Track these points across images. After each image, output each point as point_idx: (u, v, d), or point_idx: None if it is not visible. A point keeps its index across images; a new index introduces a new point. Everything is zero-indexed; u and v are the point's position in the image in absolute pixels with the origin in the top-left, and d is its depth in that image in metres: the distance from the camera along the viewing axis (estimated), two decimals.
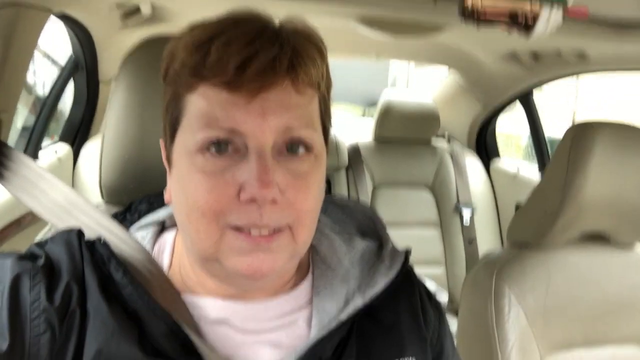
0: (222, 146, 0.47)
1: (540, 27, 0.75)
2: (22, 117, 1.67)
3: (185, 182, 0.48)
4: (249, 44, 0.45)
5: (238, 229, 0.47)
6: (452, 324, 1.18)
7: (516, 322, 0.94)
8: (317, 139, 0.50)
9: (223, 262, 0.48)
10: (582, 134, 0.94)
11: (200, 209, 0.47)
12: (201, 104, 0.47)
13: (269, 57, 0.45)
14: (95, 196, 0.75)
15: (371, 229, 0.67)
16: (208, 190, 0.47)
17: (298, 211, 0.48)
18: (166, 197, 0.56)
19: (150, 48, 0.71)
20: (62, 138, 1.75)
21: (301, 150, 0.49)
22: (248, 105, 0.46)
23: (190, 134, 0.48)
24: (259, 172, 0.45)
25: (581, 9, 0.75)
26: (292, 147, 0.48)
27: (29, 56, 0.85)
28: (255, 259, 0.47)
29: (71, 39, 1.51)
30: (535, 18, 0.75)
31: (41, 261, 0.50)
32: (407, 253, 0.62)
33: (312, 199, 0.50)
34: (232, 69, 0.45)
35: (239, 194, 0.46)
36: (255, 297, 0.55)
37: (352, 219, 0.68)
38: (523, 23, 0.76)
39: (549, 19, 0.74)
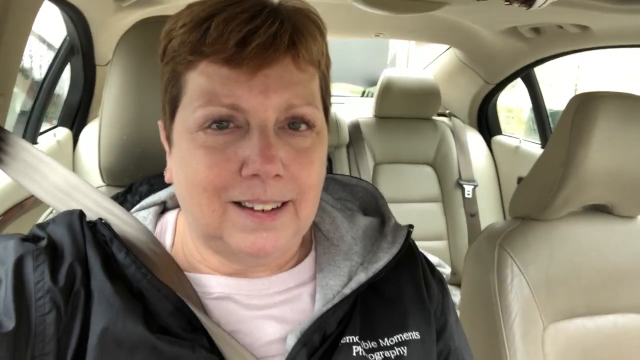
0: (224, 123, 0.47)
1: None
2: (20, 101, 1.66)
3: (187, 159, 0.48)
4: (249, 21, 0.45)
5: (241, 205, 0.47)
6: (455, 296, 1.18)
7: (519, 292, 0.95)
8: (318, 116, 0.50)
9: (226, 239, 0.49)
10: (584, 106, 0.93)
11: (201, 184, 0.47)
12: (201, 81, 0.47)
13: (269, 34, 0.45)
14: (96, 179, 0.75)
15: (373, 206, 0.67)
16: (208, 165, 0.47)
17: (301, 186, 0.49)
18: (167, 176, 0.56)
19: (146, 29, 0.70)
20: (61, 122, 1.74)
21: (303, 127, 0.49)
22: (249, 81, 0.46)
23: (191, 112, 0.48)
24: (261, 147, 0.45)
25: None
26: (293, 124, 0.49)
27: (24, 39, 0.83)
28: (259, 237, 0.47)
29: (66, 22, 1.49)
30: None
31: (44, 242, 0.50)
32: (410, 228, 0.62)
33: (315, 174, 0.50)
34: (233, 45, 0.45)
35: (240, 170, 0.46)
36: (258, 274, 0.56)
37: (354, 196, 0.68)
38: None
39: None
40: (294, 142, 0.49)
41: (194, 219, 0.50)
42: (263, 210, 0.48)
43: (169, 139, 0.53)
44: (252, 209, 0.47)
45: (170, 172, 0.55)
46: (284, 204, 0.49)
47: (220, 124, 0.47)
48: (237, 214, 0.48)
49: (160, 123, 0.56)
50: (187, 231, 0.57)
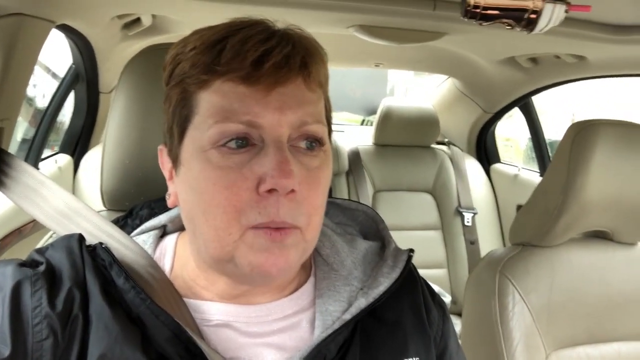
0: (240, 141, 0.48)
1: (542, 22, 0.76)
2: (21, 129, 1.67)
3: (200, 180, 0.48)
4: (264, 42, 0.47)
5: (256, 226, 0.48)
6: (456, 325, 1.17)
7: (521, 320, 0.94)
8: (326, 135, 0.52)
9: (238, 260, 0.48)
10: (583, 133, 0.94)
11: (221, 206, 0.47)
12: (216, 99, 0.48)
13: (283, 54, 0.47)
14: (96, 205, 0.75)
15: (373, 230, 0.67)
16: (227, 186, 0.47)
17: (309, 206, 0.49)
18: (170, 200, 0.55)
19: (151, 56, 0.72)
20: (63, 149, 1.75)
21: (314, 144, 0.50)
22: (266, 98, 0.47)
23: (205, 129, 0.48)
24: (279, 162, 0.46)
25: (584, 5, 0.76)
26: (305, 141, 0.50)
27: (31, 65, 0.85)
28: (272, 255, 0.47)
29: (72, 50, 1.52)
30: (537, 14, 0.75)
31: (42, 267, 0.50)
32: (410, 253, 0.62)
33: (321, 195, 0.51)
34: (249, 63, 0.46)
35: (257, 188, 0.47)
36: (258, 300, 0.55)
37: (354, 220, 0.68)
38: (525, 19, 0.77)
39: (552, 14, 0.75)
40: (304, 160, 0.49)
41: (206, 241, 0.49)
42: (280, 230, 0.48)
43: (175, 161, 0.53)
44: (269, 228, 0.47)
45: (175, 196, 0.54)
46: (295, 225, 0.49)
47: (236, 142, 0.47)
48: (254, 234, 0.47)
49: (161, 148, 0.56)
50: (190, 255, 0.56)
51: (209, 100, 0.48)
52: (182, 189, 0.52)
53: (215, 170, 0.47)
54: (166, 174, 0.56)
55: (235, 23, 0.50)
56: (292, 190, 0.47)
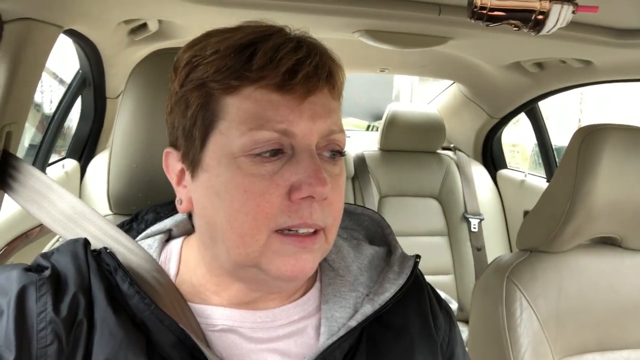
0: (273, 150, 0.48)
1: (550, 23, 0.75)
2: (29, 135, 1.68)
3: (229, 187, 0.48)
4: (295, 51, 0.47)
5: (283, 232, 0.48)
6: (463, 332, 1.16)
7: (528, 327, 0.93)
8: (345, 143, 0.53)
9: (265, 266, 0.49)
10: (590, 137, 0.94)
11: (251, 213, 0.47)
12: (247, 105, 0.48)
13: (314, 64, 0.48)
14: (102, 210, 0.75)
15: (379, 235, 0.67)
16: (259, 193, 0.47)
17: (335, 211, 0.51)
18: (183, 206, 0.54)
19: (157, 61, 0.72)
20: (70, 154, 1.76)
21: (337, 153, 0.52)
22: (299, 107, 0.48)
23: (235, 137, 0.48)
24: (315, 171, 0.47)
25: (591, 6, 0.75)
26: (330, 152, 0.51)
27: (39, 70, 0.86)
28: (300, 260, 0.49)
29: (79, 55, 1.53)
30: (545, 15, 0.75)
31: (47, 272, 0.50)
32: (417, 258, 0.61)
33: (342, 199, 0.52)
34: (283, 72, 0.47)
35: (288, 195, 0.47)
36: (265, 306, 0.55)
37: (360, 225, 0.68)
38: (533, 21, 0.76)
39: (559, 15, 0.74)
40: (328, 167, 0.50)
41: (229, 247, 0.49)
42: (306, 235, 0.49)
43: (194, 166, 0.51)
44: (295, 233, 0.48)
45: (189, 202, 0.53)
46: (323, 227, 0.50)
47: (270, 151, 0.48)
48: (280, 240, 0.48)
49: (168, 151, 0.54)
50: (201, 260, 0.55)
51: (239, 107, 0.48)
52: (202, 194, 0.51)
53: (246, 178, 0.47)
54: (173, 178, 0.55)
55: (259, 28, 0.50)
56: (325, 197, 0.48)
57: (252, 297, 0.54)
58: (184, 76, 0.50)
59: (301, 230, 0.48)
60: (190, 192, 0.53)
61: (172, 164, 0.54)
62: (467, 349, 0.67)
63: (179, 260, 0.58)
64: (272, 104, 0.47)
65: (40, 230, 1.29)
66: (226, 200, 0.48)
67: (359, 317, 0.55)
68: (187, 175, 0.52)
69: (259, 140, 0.47)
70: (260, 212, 0.47)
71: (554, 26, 0.76)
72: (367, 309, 0.55)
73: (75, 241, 0.55)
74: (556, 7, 0.74)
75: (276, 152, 0.48)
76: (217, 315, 0.54)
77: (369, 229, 0.67)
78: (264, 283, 0.52)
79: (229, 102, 0.48)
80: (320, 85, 0.49)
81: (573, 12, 0.75)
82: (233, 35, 0.49)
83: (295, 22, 0.53)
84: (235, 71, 0.47)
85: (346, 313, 0.56)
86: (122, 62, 1.59)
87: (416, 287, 0.62)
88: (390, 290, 0.57)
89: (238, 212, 0.47)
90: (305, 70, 0.47)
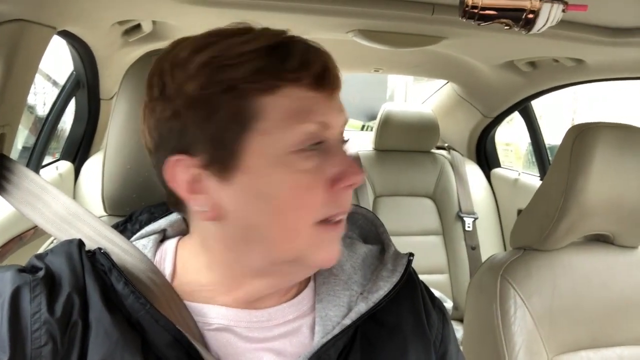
0: (317, 143, 0.50)
1: (540, 22, 0.76)
2: (22, 137, 1.67)
3: (277, 185, 0.49)
4: (318, 52, 0.52)
5: (322, 222, 0.51)
6: (458, 331, 1.16)
7: (522, 324, 0.93)
8: None
9: (308, 258, 0.51)
10: (583, 136, 0.94)
11: (300, 208, 0.49)
12: (288, 103, 0.49)
13: (333, 65, 0.53)
14: (96, 211, 0.75)
15: (373, 234, 0.67)
16: (307, 188, 0.49)
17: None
18: (210, 214, 0.51)
19: (151, 61, 0.72)
20: (63, 155, 1.76)
21: (345, 144, 0.55)
22: (330, 102, 0.52)
23: (281, 134, 0.49)
24: (352, 161, 0.52)
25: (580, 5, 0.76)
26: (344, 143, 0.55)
27: (33, 71, 0.86)
28: (335, 248, 0.53)
29: (73, 56, 1.52)
30: (535, 14, 0.76)
31: (41, 273, 0.50)
32: (410, 256, 0.62)
33: None
34: (316, 72, 0.50)
35: (329, 185, 0.50)
36: (262, 305, 0.55)
37: (354, 224, 0.68)
38: (524, 19, 0.77)
39: (549, 14, 0.75)
40: None
41: (272, 246, 0.51)
42: (340, 221, 0.53)
43: (225, 170, 0.49)
44: (333, 222, 0.52)
45: (218, 209, 0.50)
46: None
47: (311, 145, 0.50)
48: (321, 231, 0.51)
49: (178, 159, 0.50)
50: (213, 262, 0.54)
51: (280, 105, 0.49)
52: (239, 197, 0.50)
53: (294, 174, 0.49)
54: (183, 186, 0.51)
55: (271, 31, 0.51)
56: None
57: (263, 294, 0.55)
58: (204, 78, 0.48)
59: (338, 217, 0.52)
60: (217, 198, 0.50)
61: (181, 171, 0.50)
62: (461, 347, 0.68)
63: (174, 259, 0.58)
64: (310, 100, 0.50)
65: (34, 233, 1.28)
66: (273, 199, 0.49)
67: (353, 316, 0.55)
68: (211, 181, 0.50)
69: (305, 133, 0.49)
70: (309, 206, 0.50)
71: (545, 25, 0.77)
72: (361, 307, 0.56)
73: (69, 242, 0.54)
74: (546, 6, 0.75)
75: (317, 145, 0.50)
76: (213, 314, 0.54)
77: (362, 228, 0.68)
78: (291, 274, 0.55)
79: (266, 101, 0.48)
80: (339, 83, 0.53)
81: (563, 10, 0.76)
82: (252, 37, 0.49)
83: (289, 23, 0.53)
84: (273, 72, 0.49)
85: (340, 312, 0.56)
86: (116, 63, 1.58)
87: (409, 285, 0.62)
88: (384, 288, 0.57)
89: (288, 208, 0.49)
90: (332, 71, 0.52)
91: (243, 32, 0.50)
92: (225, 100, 0.48)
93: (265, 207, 0.49)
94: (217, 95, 0.48)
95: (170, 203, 0.57)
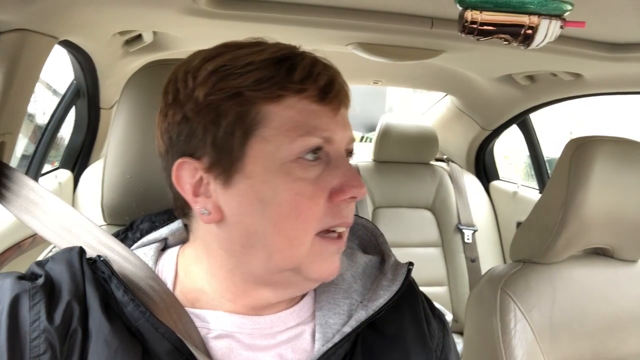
0: (318, 153, 0.51)
1: (538, 38, 0.77)
2: (21, 145, 1.67)
3: (279, 192, 0.49)
4: (326, 67, 0.52)
5: (322, 233, 0.51)
6: (458, 343, 1.15)
7: (523, 338, 0.93)
8: None
9: (305, 268, 0.51)
10: (582, 149, 0.95)
11: (301, 216, 0.49)
12: (293, 114, 0.50)
13: (341, 81, 0.54)
14: (96, 220, 0.75)
15: (373, 244, 0.67)
16: (309, 197, 0.50)
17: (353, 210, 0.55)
18: (212, 216, 0.52)
19: (152, 72, 0.73)
20: (63, 164, 1.76)
21: (351, 159, 0.56)
22: (336, 117, 0.52)
23: (284, 143, 0.49)
24: (355, 174, 0.52)
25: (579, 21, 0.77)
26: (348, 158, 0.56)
27: (34, 80, 0.86)
28: (334, 262, 0.53)
29: (73, 65, 1.53)
30: (533, 30, 0.77)
31: (41, 280, 0.50)
32: (410, 266, 0.62)
33: None
34: (322, 85, 0.50)
35: (330, 197, 0.51)
36: (268, 312, 0.55)
37: (354, 234, 0.68)
38: (522, 35, 0.78)
39: (547, 30, 0.76)
40: None
41: (273, 253, 0.51)
42: (341, 235, 0.53)
43: (228, 174, 0.50)
44: (334, 234, 0.52)
45: (219, 212, 0.51)
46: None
47: (312, 155, 0.50)
48: (325, 242, 0.51)
49: (184, 160, 0.51)
50: (216, 268, 0.55)
51: (285, 115, 0.50)
52: (240, 201, 0.50)
53: (296, 182, 0.49)
54: (188, 189, 0.52)
55: (281, 45, 0.52)
56: None
57: (270, 303, 0.55)
58: (211, 85, 0.50)
59: (339, 230, 0.52)
60: (219, 201, 0.51)
61: (187, 174, 0.52)
62: (461, 359, 0.67)
63: (176, 267, 0.58)
64: (315, 113, 0.51)
65: (32, 241, 1.28)
66: (274, 205, 0.49)
67: (353, 323, 0.55)
68: (214, 184, 0.51)
69: (307, 146, 0.50)
70: (310, 215, 0.50)
71: (543, 40, 0.78)
72: (361, 315, 0.56)
73: (70, 249, 0.54)
74: (544, 22, 0.76)
75: (316, 157, 0.51)
76: (216, 321, 0.54)
77: (362, 238, 0.68)
78: (294, 286, 0.54)
79: (271, 110, 0.49)
80: (347, 100, 0.54)
81: (561, 27, 0.77)
82: (261, 49, 0.51)
83: (289, 35, 0.54)
84: (278, 82, 0.49)
85: (340, 319, 0.56)
86: (116, 73, 1.59)
87: (410, 295, 0.62)
88: (383, 296, 0.58)
89: (288, 215, 0.49)
90: (338, 85, 0.52)
91: (254, 45, 0.52)
92: (231, 106, 0.50)
93: (265, 213, 0.49)
94: (223, 101, 0.50)
95: (176, 207, 0.57)
